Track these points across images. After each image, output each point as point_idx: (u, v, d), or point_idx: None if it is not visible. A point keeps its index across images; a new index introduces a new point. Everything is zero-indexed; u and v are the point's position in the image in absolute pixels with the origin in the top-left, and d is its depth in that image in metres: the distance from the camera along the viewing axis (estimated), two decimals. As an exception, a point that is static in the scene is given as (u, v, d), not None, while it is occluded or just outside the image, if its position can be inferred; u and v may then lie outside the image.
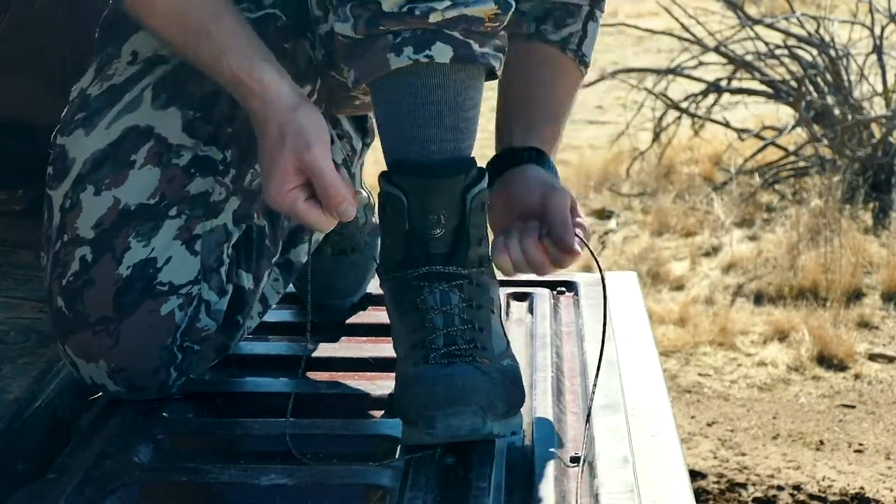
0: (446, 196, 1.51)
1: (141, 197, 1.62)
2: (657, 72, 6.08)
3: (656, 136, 5.93)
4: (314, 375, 1.76)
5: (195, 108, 1.65)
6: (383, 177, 1.55)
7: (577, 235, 1.62)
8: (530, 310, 1.96)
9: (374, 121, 2.03)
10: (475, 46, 1.50)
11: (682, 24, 5.81)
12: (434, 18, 1.48)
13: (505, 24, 1.53)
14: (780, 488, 3.25)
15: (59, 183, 1.65)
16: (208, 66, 1.55)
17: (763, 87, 5.82)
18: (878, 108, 5.69)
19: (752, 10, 6.88)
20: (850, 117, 5.44)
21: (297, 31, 1.68)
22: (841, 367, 4.00)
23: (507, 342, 1.57)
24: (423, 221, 1.51)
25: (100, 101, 1.66)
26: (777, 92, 5.72)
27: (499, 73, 1.55)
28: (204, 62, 1.56)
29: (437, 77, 1.50)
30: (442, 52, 1.49)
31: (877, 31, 5.66)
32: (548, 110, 1.78)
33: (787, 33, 5.73)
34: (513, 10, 1.53)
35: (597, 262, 1.65)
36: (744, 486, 3.27)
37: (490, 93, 1.69)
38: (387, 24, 1.49)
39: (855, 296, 4.47)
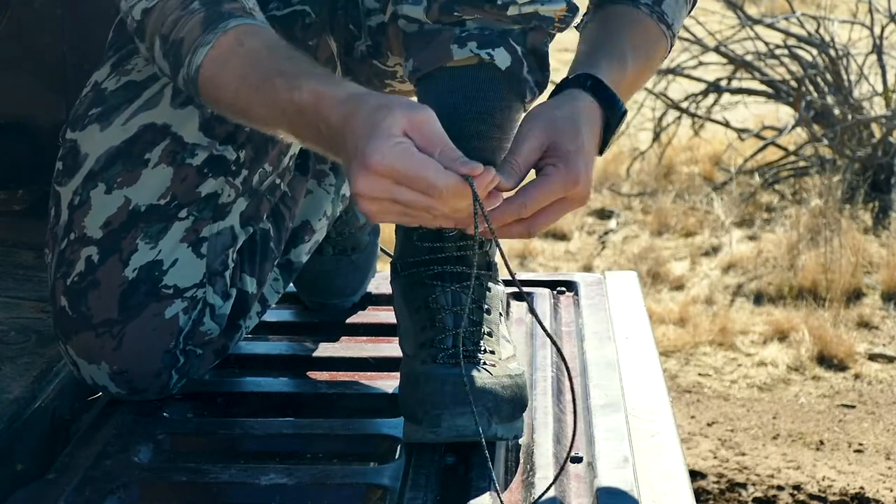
0: None
1: (152, 198, 1.61)
2: (657, 71, 6.08)
3: (656, 136, 5.93)
4: (314, 375, 1.76)
5: None
6: None
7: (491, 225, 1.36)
8: (530, 310, 1.96)
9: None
10: (525, 69, 1.52)
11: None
12: (512, 11, 1.49)
13: (569, 27, 1.55)
14: (780, 488, 3.25)
15: (69, 179, 1.64)
16: (283, 99, 1.39)
17: (763, 87, 5.82)
18: (878, 108, 5.69)
19: (752, 10, 6.88)
20: (850, 117, 5.44)
21: (322, 27, 1.69)
22: (841, 367, 4.00)
23: (514, 347, 1.58)
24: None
25: (117, 97, 1.64)
26: (777, 92, 5.72)
27: (528, 106, 1.55)
28: (276, 100, 1.40)
29: (493, 72, 1.51)
30: (503, 58, 1.50)
31: (877, 31, 5.66)
32: (612, 49, 1.57)
33: (787, 33, 5.72)
34: (578, 13, 1.55)
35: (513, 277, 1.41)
36: (744, 486, 3.27)
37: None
38: (462, 11, 1.50)
39: (855, 296, 4.47)
